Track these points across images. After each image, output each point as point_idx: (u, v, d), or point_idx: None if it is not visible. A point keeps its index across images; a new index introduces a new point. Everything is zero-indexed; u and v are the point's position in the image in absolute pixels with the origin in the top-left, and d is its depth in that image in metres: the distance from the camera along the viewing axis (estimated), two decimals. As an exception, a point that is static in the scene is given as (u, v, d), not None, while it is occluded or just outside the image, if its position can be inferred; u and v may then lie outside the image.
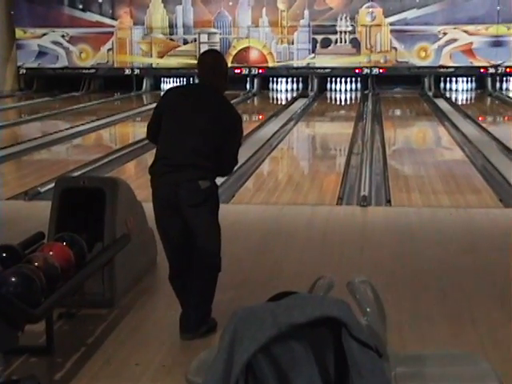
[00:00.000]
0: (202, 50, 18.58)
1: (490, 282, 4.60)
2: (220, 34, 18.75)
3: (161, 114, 3.78)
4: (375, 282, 2.52)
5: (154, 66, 19.15)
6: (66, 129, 12.44)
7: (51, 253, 3.63)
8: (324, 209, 6.61)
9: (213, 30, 18.80)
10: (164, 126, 3.72)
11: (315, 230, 5.91)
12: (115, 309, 4.16)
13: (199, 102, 3.70)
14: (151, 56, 19.10)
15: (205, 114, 3.66)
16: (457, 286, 4.54)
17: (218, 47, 18.69)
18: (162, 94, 15.41)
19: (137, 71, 19.05)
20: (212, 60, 3.79)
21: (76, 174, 7.94)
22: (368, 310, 2.30)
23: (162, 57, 19.06)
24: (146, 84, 19.19)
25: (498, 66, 18.00)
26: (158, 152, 3.75)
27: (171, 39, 19.05)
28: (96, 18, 19.04)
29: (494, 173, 8.23)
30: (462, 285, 4.55)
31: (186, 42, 18.97)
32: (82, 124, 12.90)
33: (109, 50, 19.09)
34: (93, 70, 19.14)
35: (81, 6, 19.11)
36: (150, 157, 10.32)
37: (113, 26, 19.02)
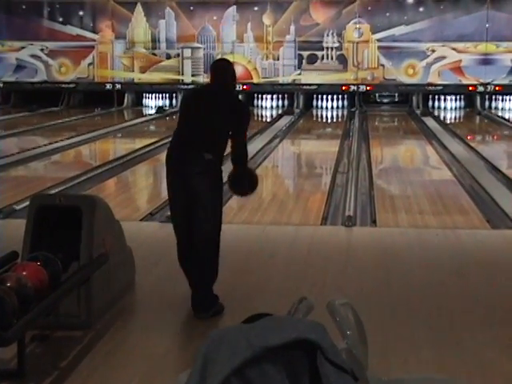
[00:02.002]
0: (185, 66, 18.68)
1: (475, 305, 4.63)
2: (204, 49, 18.84)
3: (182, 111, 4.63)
4: (359, 304, 2.51)
5: (135, 81, 19.19)
6: (45, 145, 12.41)
7: (24, 273, 3.62)
8: (308, 229, 6.62)
9: (196, 44, 18.89)
10: (181, 117, 4.54)
11: (298, 250, 5.92)
12: (91, 331, 4.14)
13: (211, 96, 4.53)
14: (133, 71, 19.14)
15: (216, 105, 4.45)
16: (442, 308, 4.56)
17: (201, 62, 18.79)
18: (143, 109, 15.38)
19: (118, 86, 19.08)
20: (223, 64, 4.70)
21: (54, 191, 7.93)
22: (348, 332, 2.31)
23: (144, 72, 19.10)
24: (127, 99, 19.22)
25: (487, 84, 18.19)
26: (174, 135, 4.51)
27: (154, 54, 19.11)
28: (76, 31, 19.08)
29: (482, 193, 8.29)
30: (447, 308, 4.58)
31: (168, 57, 19.04)
32: (61, 140, 12.89)
33: (89, 64, 19.12)
34: (73, 85, 19.16)
35: (61, 19, 19.15)
36: (130, 174, 10.38)
37: (94, 40, 19.06)
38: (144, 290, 4.84)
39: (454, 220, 7.09)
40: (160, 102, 19.25)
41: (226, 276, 5.23)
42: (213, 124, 4.40)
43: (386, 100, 19.03)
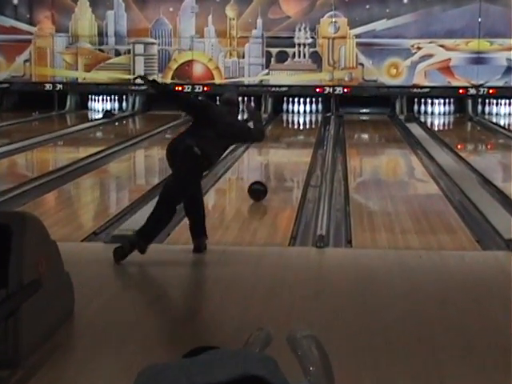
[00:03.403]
0: (137, 63, 18.67)
1: (461, 338, 4.67)
2: (158, 44, 18.85)
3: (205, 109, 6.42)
4: (331, 335, 2.54)
5: (79, 80, 19.14)
6: (-27, 153, 12.33)
7: None
8: (274, 250, 6.65)
9: (150, 39, 18.90)
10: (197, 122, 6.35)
11: (263, 274, 5.94)
12: (19, 370, 4.10)
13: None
14: (77, 69, 19.09)
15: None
16: (424, 340, 4.60)
17: (155, 60, 18.80)
18: (88, 113, 15.36)
19: (59, 87, 19.02)
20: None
21: (-19, 207, 7.87)
22: (311, 368, 2.32)
23: (89, 70, 19.07)
24: (70, 102, 19.17)
25: (480, 86, 18.43)
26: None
27: (101, 50, 19.08)
28: (10, 22, 19.00)
29: (472, 210, 8.38)
30: (430, 339, 4.61)
31: (118, 54, 19.03)
32: (-8, 148, 12.81)
33: (25, 61, 19.04)
34: (6, 85, 19.06)
35: (-8, 9, 19.07)
36: (72, 187, 10.34)
37: (31, 33, 18.99)
38: (82, 322, 4.80)
39: (439, 240, 7.16)
40: (108, 106, 19.23)
41: (179, 304, 5.22)
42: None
43: (366, 94, 19.10)
